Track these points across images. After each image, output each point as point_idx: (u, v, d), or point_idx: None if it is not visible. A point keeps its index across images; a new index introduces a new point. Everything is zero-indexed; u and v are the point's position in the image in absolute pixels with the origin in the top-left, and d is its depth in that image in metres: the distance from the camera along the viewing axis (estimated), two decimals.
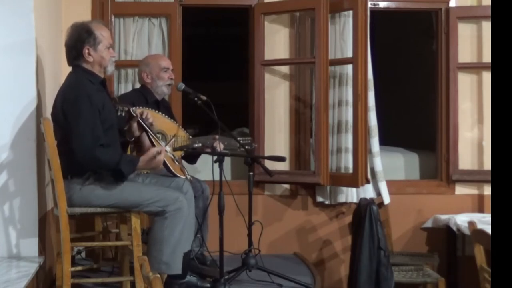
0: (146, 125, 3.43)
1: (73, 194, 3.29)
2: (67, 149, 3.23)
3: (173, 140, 3.74)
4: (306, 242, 4.93)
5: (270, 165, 4.03)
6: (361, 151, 4.56)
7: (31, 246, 3.49)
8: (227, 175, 4.07)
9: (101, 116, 3.28)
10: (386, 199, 4.83)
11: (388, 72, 6.68)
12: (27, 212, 3.48)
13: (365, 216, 4.15)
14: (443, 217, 4.83)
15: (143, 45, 4.73)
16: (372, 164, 4.86)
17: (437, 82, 5.04)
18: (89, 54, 3.34)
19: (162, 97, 4.22)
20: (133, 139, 3.54)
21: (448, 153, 4.96)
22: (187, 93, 3.91)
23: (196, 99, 3.81)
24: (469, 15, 4.95)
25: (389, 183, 4.89)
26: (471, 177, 4.95)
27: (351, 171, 4.71)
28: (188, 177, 3.63)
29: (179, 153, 3.91)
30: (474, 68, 4.99)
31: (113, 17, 4.69)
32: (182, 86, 3.99)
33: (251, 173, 3.80)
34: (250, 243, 3.84)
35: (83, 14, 4.56)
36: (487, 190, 4.95)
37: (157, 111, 3.88)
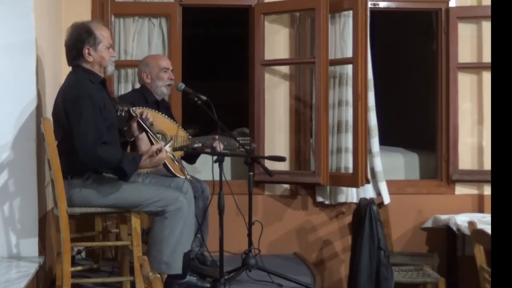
0: (146, 125, 3.43)
1: (73, 194, 3.29)
2: (67, 149, 3.23)
3: (172, 141, 3.74)
4: (306, 242, 4.93)
5: (270, 165, 4.03)
6: (361, 151, 4.56)
7: (31, 246, 3.49)
8: (227, 175, 4.07)
9: (101, 116, 3.28)
10: (386, 199, 4.83)
11: (388, 72, 6.68)
12: (27, 212, 3.48)
13: (365, 216, 4.15)
14: (443, 217, 4.83)
15: (143, 45, 4.73)
16: (372, 164, 4.86)
17: (437, 82, 5.04)
18: (89, 54, 3.34)
19: (161, 97, 4.22)
20: (133, 139, 3.54)
21: (448, 153, 4.96)
22: (187, 93, 3.92)
23: (196, 99, 3.81)
24: (469, 15, 4.95)
25: (389, 183, 4.89)
26: (471, 177, 4.95)
27: (351, 171, 4.71)
28: (188, 177, 3.63)
29: (179, 153, 3.91)
30: (474, 68, 4.99)
31: (113, 17, 4.69)
32: (182, 86, 4.00)
33: (251, 173, 3.80)
34: (250, 243, 3.85)
35: (83, 14, 4.56)
36: (487, 190, 4.95)
37: (157, 111, 3.88)
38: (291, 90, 4.92)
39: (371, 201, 4.35)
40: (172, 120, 3.96)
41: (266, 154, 4.69)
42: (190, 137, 3.98)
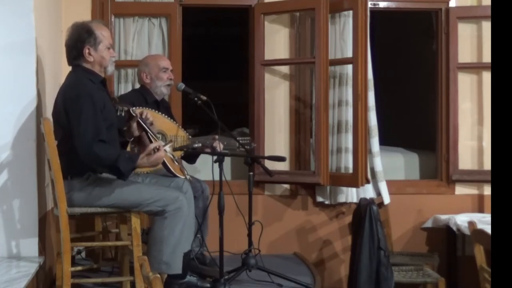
0: (146, 125, 3.43)
1: (73, 194, 3.29)
2: (67, 149, 3.23)
3: (171, 142, 3.73)
4: (306, 242, 4.93)
5: (270, 165, 4.03)
6: (361, 151, 4.56)
7: (31, 246, 3.49)
8: (227, 175, 4.07)
9: (101, 115, 3.27)
10: (386, 199, 4.83)
11: (388, 72, 6.68)
12: (27, 212, 3.48)
13: (365, 216, 4.15)
14: (443, 217, 4.83)
15: (143, 45, 4.73)
16: (372, 164, 4.86)
17: (437, 82, 5.04)
18: (89, 54, 3.34)
19: (161, 97, 4.22)
20: (132, 139, 3.53)
21: (448, 153, 4.96)
22: (187, 93, 3.92)
23: (196, 99, 3.82)
24: (469, 15, 4.95)
25: (389, 183, 4.89)
26: (471, 177, 4.95)
27: (351, 171, 4.71)
28: (188, 177, 3.62)
29: (178, 153, 3.92)
30: (474, 68, 4.99)
31: (113, 17, 4.69)
32: (182, 86, 4.00)
33: (251, 173, 3.80)
34: (250, 243, 3.85)
35: (83, 14, 4.56)
36: (487, 190, 4.95)
37: (156, 111, 3.88)
38: (291, 90, 4.92)
39: (371, 201, 4.35)
40: (172, 120, 3.96)
41: (266, 154, 4.69)
42: (190, 137, 3.98)
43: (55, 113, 3.36)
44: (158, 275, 2.27)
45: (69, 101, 3.25)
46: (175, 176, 3.54)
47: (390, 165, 5.13)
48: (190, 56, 5.56)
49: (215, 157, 3.58)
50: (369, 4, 4.76)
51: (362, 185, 4.63)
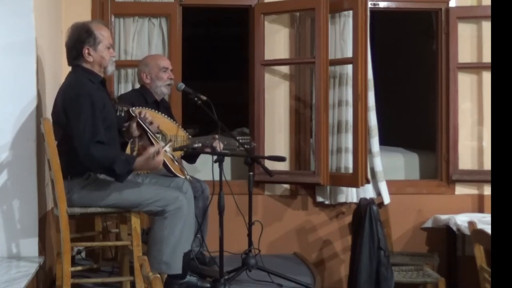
0: (146, 125, 3.42)
1: (73, 194, 3.29)
2: (67, 149, 3.23)
3: (171, 142, 3.73)
4: (306, 242, 4.93)
5: (270, 165, 4.03)
6: (361, 151, 4.56)
7: (31, 246, 3.49)
8: (227, 175, 4.07)
9: (101, 115, 3.27)
10: (386, 199, 4.83)
11: (388, 72, 6.68)
12: (27, 212, 3.48)
13: (365, 216, 4.15)
14: (443, 217, 4.83)
15: (143, 45, 4.73)
16: (372, 164, 4.86)
17: (437, 82, 5.04)
18: (89, 54, 3.35)
19: (161, 97, 4.22)
20: (132, 139, 3.53)
21: (448, 153, 4.96)
22: (187, 93, 3.92)
23: (196, 99, 3.81)
24: (469, 15, 4.95)
25: (389, 183, 4.89)
26: (471, 177, 4.95)
27: (351, 171, 4.71)
28: (188, 177, 3.62)
29: (178, 153, 3.91)
30: (474, 68, 4.99)
31: (113, 17, 4.69)
32: (182, 86, 3.99)
33: (251, 173, 3.80)
34: (250, 243, 3.85)
35: (83, 14, 4.56)
36: (487, 190, 4.95)
37: (156, 111, 3.88)
38: (291, 90, 4.92)
39: (371, 201, 4.35)
40: (172, 120, 3.96)
41: (266, 154, 4.69)
42: (190, 137, 3.98)
43: (54, 113, 3.36)
44: (158, 275, 2.26)
45: (69, 101, 3.25)
46: (175, 176, 3.54)
47: (390, 165, 5.13)
48: (190, 56, 5.56)
49: (215, 157, 3.57)
50: (369, 4, 4.76)
51: (362, 185, 4.63)
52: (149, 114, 3.52)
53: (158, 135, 3.65)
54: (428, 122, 5.50)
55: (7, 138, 3.47)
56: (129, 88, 4.62)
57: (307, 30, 4.87)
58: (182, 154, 4.03)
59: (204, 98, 3.81)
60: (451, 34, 4.91)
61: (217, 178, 3.52)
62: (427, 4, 5.09)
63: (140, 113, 3.43)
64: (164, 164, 3.41)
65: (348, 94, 4.75)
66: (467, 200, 4.99)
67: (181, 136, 3.93)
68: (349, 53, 4.70)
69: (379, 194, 4.86)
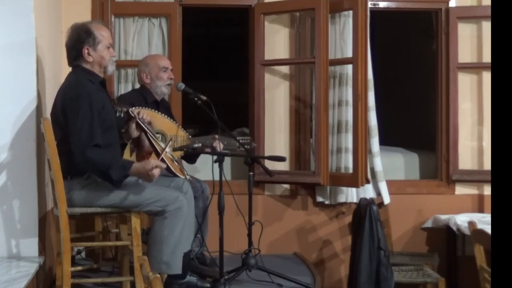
0: (145, 125, 3.42)
1: (73, 194, 3.29)
2: (67, 149, 3.22)
3: (171, 141, 3.73)
4: (306, 242, 4.93)
5: (270, 165, 4.03)
6: (361, 151, 4.56)
7: (31, 246, 3.49)
8: (227, 175, 4.07)
9: (100, 116, 3.28)
10: (386, 199, 4.83)
11: (388, 72, 6.68)
12: (27, 212, 3.48)
13: (365, 216, 4.15)
14: (443, 217, 4.83)
15: (143, 45, 4.73)
16: (372, 164, 4.86)
17: (437, 82, 5.04)
18: (88, 54, 3.35)
19: (161, 97, 4.22)
20: (130, 141, 3.53)
21: (448, 153, 4.96)
22: (187, 93, 3.92)
23: (196, 99, 3.81)
24: (469, 15, 4.95)
25: (389, 183, 4.89)
26: (471, 177, 4.95)
27: (351, 171, 4.71)
28: (188, 177, 3.62)
29: (178, 153, 3.91)
30: (474, 68, 4.99)
31: (113, 17, 4.69)
32: (182, 86, 3.99)
33: (251, 173, 3.80)
34: (250, 243, 3.84)
35: (83, 14, 4.56)
36: (487, 190, 4.95)
37: (156, 111, 3.88)
38: (291, 90, 4.92)
39: (371, 201, 4.35)
40: (172, 120, 3.96)
41: (266, 154, 4.69)
42: (190, 137, 3.98)
43: (53, 113, 3.36)
44: (158, 275, 2.26)
45: (68, 101, 3.25)
46: (175, 176, 3.54)
47: (390, 165, 5.13)
48: (190, 56, 5.56)
49: (215, 157, 3.57)
50: (369, 4, 4.75)
51: (362, 185, 4.63)
52: (149, 114, 3.52)
53: (158, 135, 3.65)
54: (428, 122, 5.50)
55: (7, 138, 3.47)
56: (129, 88, 4.62)
57: (307, 30, 4.87)
58: (182, 154, 4.02)
59: (204, 98, 3.81)
60: (451, 34, 4.91)
61: (217, 178, 3.51)
62: (427, 4, 5.09)
63: (139, 114, 3.43)
64: (163, 162, 3.41)
65: (348, 94, 4.75)
66: (467, 200, 4.99)
67: (181, 136, 3.93)
68: (349, 53, 4.70)
69: (379, 194, 4.86)
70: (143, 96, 4.11)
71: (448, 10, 4.94)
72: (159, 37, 4.76)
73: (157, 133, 3.72)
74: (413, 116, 6.79)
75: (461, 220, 4.59)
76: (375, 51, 4.93)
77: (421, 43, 6.28)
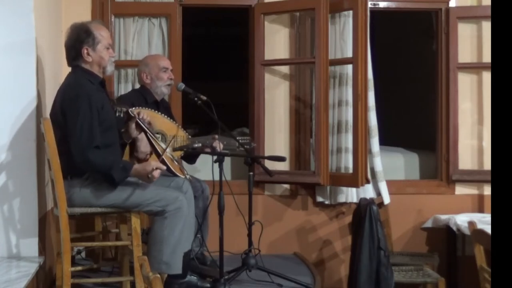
0: (145, 125, 3.42)
1: (73, 194, 3.29)
2: (66, 149, 3.22)
3: (172, 141, 3.73)
4: (306, 242, 4.93)
5: (270, 165, 4.03)
6: (361, 151, 4.56)
7: (31, 246, 3.49)
8: (227, 175, 4.07)
9: (100, 117, 3.28)
10: (386, 199, 4.83)
11: (388, 72, 6.67)
12: (27, 212, 3.48)
13: (365, 216, 4.15)
14: (443, 217, 4.83)
15: (143, 45, 4.73)
16: (372, 164, 4.86)
17: (437, 82, 5.04)
18: (88, 54, 3.35)
19: (161, 98, 4.22)
20: (130, 140, 3.53)
21: (448, 153, 4.96)
22: (187, 93, 3.91)
23: (196, 99, 3.81)
24: (469, 15, 4.95)
25: (389, 183, 4.89)
26: (471, 177, 4.95)
27: (351, 171, 4.71)
28: (188, 176, 3.62)
29: (178, 153, 3.91)
30: (474, 68, 4.99)
31: (113, 17, 4.69)
32: (182, 86, 3.99)
33: (251, 173, 3.80)
34: (250, 243, 3.84)
35: (83, 14, 4.56)
36: (487, 190, 4.95)
37: (156, 111, 3.88)
38: (291, 90, 4.92)
39: (371, 201, 4.35)
40: (172, 120, 3.96)
41: (266, 154, 4.69)
42: (190, 137, 3.98)
43: (53, 113, 3.36)
44: (158, 275, 2.27)
45: (67, 102, 3.25)
46: (175, 175, 3.54)
47: (390, 165, 5.13)
48: (190, 56, 5.56)
49: (215, 157, 3.57)
50: (369, 4, 4.75)
51: (362, 185, 4.63)
52: (149, 114, 3.52)
53: (158, 135, 3.65)
54: (428, 122, 5.50)
55: (7, 138, 3.47)
56: (129, 88, 4.62)
57: (307, 30, 4.87)
58: (182, 154, 4.03)
59: (204, 98, 3.80)
60: (451, 34, 4.91)
61: (217, 178, 3.51)
62: (427, 4, 5.09)
63: (139, 114, 3.43)
64: (163, 163, 3.42)
65: (348, 94, 4.75)
66: (467, 200, 4.99)
67: (181, 136, 3.93)
68: (349, 53, 4.70)
69: (379, 194, 4.86)
70: (143, 96, 4.11)
71: (448, 10, 4.94)
72: (159, 37, 4.76)
73: (157, 133, 3.72)
74: (413, 116, 6.79)
75: (461, 220, 4.59)
76: (375, 51, 4.93)
77: (421, 43, 6.28)
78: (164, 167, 3.33)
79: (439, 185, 5.03)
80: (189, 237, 3.48)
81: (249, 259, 3.79)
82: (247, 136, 4.59)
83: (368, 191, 4.81)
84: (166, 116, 3.91)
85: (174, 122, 3.98)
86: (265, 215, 4.81)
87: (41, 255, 3.50)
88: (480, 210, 4.97)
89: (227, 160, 4.84)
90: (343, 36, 4.78)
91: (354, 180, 4.62)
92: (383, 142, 5.11)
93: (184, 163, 4.23)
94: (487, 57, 4.85)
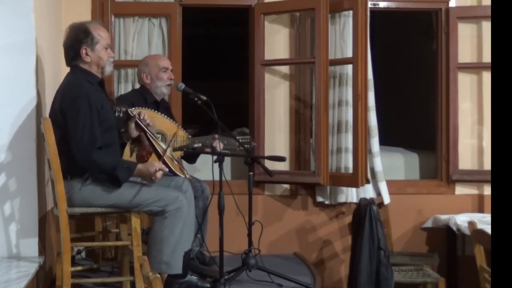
0: (144, 125, 3.42)
1: (73, 194, 3.29)
2: (66, 149, 3.23)
3: (172, 140, 3.73)
4: (306, 242, 4.93)
5: (270, 165, 4.03)
6: (361, 151, 4.56)
7: (31, 246, 3.49)
8: (227, 175, 4.07)
9: (100, 117, 3.28)
10: (386, 199, 4.83)
11: (388, 72, 6.67)
12: (27, 212, 3.48)
13: (365, 216, 4.15)
14: (443, 217, 4.83)
15: (143, 45, 4.73)
16: (372, 164, 4.86)
17: (437, 82, 5.04)
18: (86, 54, 3.35)
19: (161, 98, 4.22)
20: (130, 140, 3.53)
21: (448, 153, 4.96)
22: (187, 93, 3.91)
23: (196, 99, 3.81)
24: (469, 15, 4.95)
25: (389, 183, 4.89)
26: (471, 177, 4.95)
27: (351, 171, 4.71)
28: (188, 176, 3.62)
29: (178, 153, 3.91)
30: (474, 68, 4.99)
31: (113, 17, 4.69)
32: (182, 86, 3.99)
33: (251, 173, 3.79)
34: (250, 243, 3.84)
35: (83, 14, 4.56)
36: (487, 190, 4.95)
37: (156, 111, 3.88)
38: (291, 90, 4.92)
39: (371, 201, 4.35)
40: (172, 120, 3.96)
41: (266, 154, 4.69)
42: (190, 137, 3.98)
43: (52, 114, 3.37)
44: (158, 275, 2.27)
45: (67, 102, 3.25)
46: (175, 174, 3.54)
47: (390, 165, 5.13)
48: (190, 56, 5.55)
49: (215, 157, 3.57)
50: (369, 4, 4.75)
51: (362, 185, 4.63)
52: (149, 114, 3.52)
53: (158, 135, 3.65)
54: (428, 122, 5.50)
55: (7, 138, 3.47)
56: (129, 88, 4.62)
57: (307, 30, 4.87)
58: (182, 154, 4.03)
59: (204, 98, 3.80)
60: (451, 34, 4.91)
61: (217, 178, 3.51)
62: (427, 4, 5.09)
63: (139, 114, 3.43)
64: (164, 163, 3.42)
65: (348, 94, 4.75)
66: (467, 200, 4.99)
67: (181, 136, 3.93)
68: (349, 53, 4.70)
69: (379, 194, 4.86)
70: (143, 96, 4.11)
71: (448, 10, 4.94)
72: (159, 37, 4.76)
73: (157, 133, 3.72)
74: (413, 116, 6.79)
75: (461, 220, 4.58)
76: (375, 51, 4.93)
77: (421, 43, 6.28)
78: (167, 169, 3.34)
79: (439, 185, 5.03)
80: (189, 237, 3.48)
81: (249, 259, 3.79)
82: (247, 136, 4.59)
83: (368, 191, 4.81)
84: (166, 116, 3.91)
85: (174, 122, 3.98)
86: (265, 215, 4.81)
87: (41, 255, 3.50)
88: (480, 210, 4.97)
89: (227, 160, 4.84)
90: (343, 36, 4.78)
91: (354, 180, 4.62)
92: (383, 142, 5.11)
93: (184, 162, 4.23)
94: (487, 57, 4.85)
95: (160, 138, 3.64)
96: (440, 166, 5.03)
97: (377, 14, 5.20)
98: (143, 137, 3.47)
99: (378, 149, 4.87)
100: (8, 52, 3.46)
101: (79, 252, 4.17)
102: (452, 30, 4.91)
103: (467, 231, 4.09)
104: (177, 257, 3.36)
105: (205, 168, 4.45)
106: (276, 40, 4.88)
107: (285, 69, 4.93)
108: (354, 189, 4.80)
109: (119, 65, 4.61)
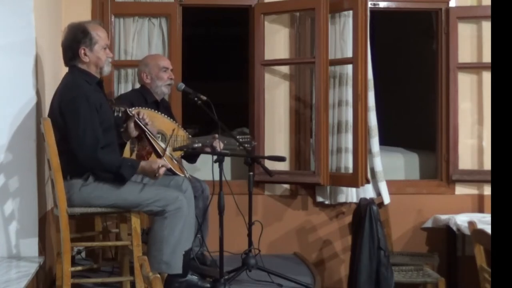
0: (143, 125, 3.41)
1: (73, 194, 3.29)
2: (66, 149, 3.23)
3: (171, 140, 3.73)
4: (306, 242, 4.93)
5: (270, 165, 4.03)
6: (361, 151, 4.56)
7: (31, 246, 3.49)
8: (227, 175, 4.07)
9: (99, 117, 3.28)
10: (386, 199, 4.83)
11: (388, 72, 6.67)
12: (27, 212, 3.48)
13: (365, 216, 4.15)
14: (443, 217, 4.83)
15: (143, 45, 4.73)
16: (372, 164, 4.86)
17: (437, 82, 5.04)
18: (85, 54, 3.34)
19: (161, 97, 4.22)
20: (129, 140, 3.53)
21: (448, 153, 4.96)
22: (187, 93, 3.91)
23: (196, 99, 3.81)
24: (469, 15, 4.95)
25: (389, 183, 4.89)
26: (471, 177, 4.95)
27: (351, 171, 4.71)
28: (187, 175, 3.62)
29: (178, 153, 3.91)
30: (474, 68, 4.99)
31: (113, 17, 4.69)
32: (182, 86, 3.99)
33: (251, 173, 3.79)
34: (250, 243, 3.84)
35: (83, 14, 4.56)
36: (487, 190, 4.95)
37: (156, 111, 3.87)
38: (291, 90, 4.92)
39: (371, 201, 4.35)
40: (172, 120, 3.96)
41: (266, 154, 4.69)
42: (190, 137, 3.98)
43: (51, 114, 3.36)
44: (158, 275, 2.27)
45: (66, 103, 3.25)
46: (174, 174, 3.54)
47: (390, 165, 5.13)
48: (190, 56, 5.56)
49: (215, 157, 3.57)
50: (369, 4, 4.75)
51: (362, 185, 4.63)
52: (149, 114, 3.52)
53: (158, 135, 3.65)
54: (428, 122, 5.50)
55: (7, 138, 3.47)
56: (129, 88, 4.62)
57: (307, 30, 4.87)
58: (182, 154, 4.02)
59: (204, 98, 3.80)
60: (451, 34, 4.91)
61: (217, 178, 3.51)
62: (427, 4, 5.09)
63: (138, 113, 3.43)
64: None
65: (348, 94, 4.75)
66: (467, 200, 4.99)
67: (181, 136, 3.93)
68: (349, 53, 4.70)
69: (379, 194, 4.86)
70: (143, 96, 4.11)
71: (448, 10, 4.94)
72: (159, 37, 4.76)
73: (157, 133, 3.72)
74: (413, 116, 6.79)
75: (461, 220, 4.58)
76: (375, 51, 4.93)
77: (421, 43, 6.28)
78: (169, 166, 3.34)
79: (439, 185, 5.03)
80: (189, 237, 3.48)
81: (249, 259, 3.79)
82: (247, 135, 4.58)
83: (368, 191, 4.81)
84: (166, 116, 3.91)
85: (174, 122, 3.98)
86: (265, 215, 4.81)
87: (41, 255, 3.50)
88: (480, 210, 4.97)
89: (227, 160, 4.85)
90: (343, 36, 4.78)
91: (354, 180, 4.62)
92: (383, 142, 5.11)
93: (184, 162, 4.23)
94: (487, 57, 4.85)
95: (160, 138, 3.64)
96: (440, 166, 5.03)
97: (377, 14, 5.20)
98: (143, 137, 3.46)
99: (378, 149, 4.87)
100: (8, 52, 3.45)
101: (79, 252, 4.17)
102: (452, 30, 4.91)
103: (467, 231, 4.09)
104: (177, 257, 3.36)
105: (205, 168, 4.45)
106: (276, 40, 4.88)
107: (285, 69, 4.93)
108: (354, 189, 4.80)
109: (119, 65, 4.61)
